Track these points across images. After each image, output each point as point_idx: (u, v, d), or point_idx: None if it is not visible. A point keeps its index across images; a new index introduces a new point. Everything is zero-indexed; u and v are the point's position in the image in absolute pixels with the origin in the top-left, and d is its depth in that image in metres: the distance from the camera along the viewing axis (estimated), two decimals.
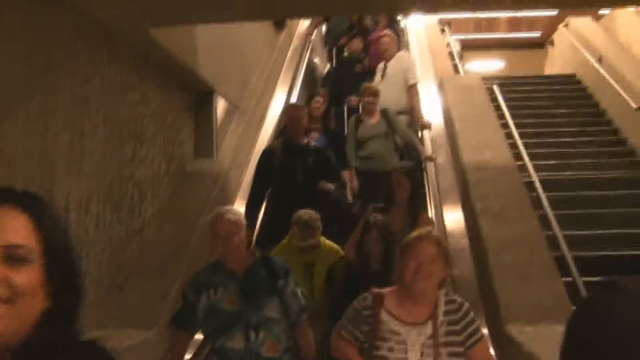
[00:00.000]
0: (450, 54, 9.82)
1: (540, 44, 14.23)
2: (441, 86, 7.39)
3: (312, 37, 9.65)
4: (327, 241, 4.72)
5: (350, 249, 4.51)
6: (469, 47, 13.35)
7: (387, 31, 8.06)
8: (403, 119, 6.80)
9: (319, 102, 7.07)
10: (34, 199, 1.13)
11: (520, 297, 4.05)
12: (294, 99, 7.96)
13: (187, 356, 3.70)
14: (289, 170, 5.34)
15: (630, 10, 9.35)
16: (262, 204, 5.56)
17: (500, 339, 3.84)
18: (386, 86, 7.00)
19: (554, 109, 9.06)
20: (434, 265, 2.61)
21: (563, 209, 6.13)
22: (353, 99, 7.71)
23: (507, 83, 9.97)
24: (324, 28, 10.74)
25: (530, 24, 14.58)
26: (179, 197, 5.20)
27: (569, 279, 4.78)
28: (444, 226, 5.32)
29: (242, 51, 6.74)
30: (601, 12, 10.97)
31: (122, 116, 4.32)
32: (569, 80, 10.29)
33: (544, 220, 5.45)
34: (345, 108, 8.19)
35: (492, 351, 3.75)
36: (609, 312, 1.45)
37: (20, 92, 3.14)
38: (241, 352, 3.18)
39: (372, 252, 4.14)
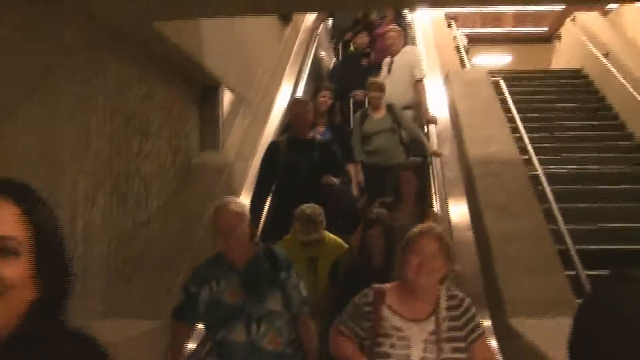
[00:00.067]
0: (457, 48, 9.81)
1: (547, 39, 14.18)
2: (447, 80, 7.39)
3: (318, 32, 9.64)
4: (331, 235, 4.73)
5: (356, 243, 4.52)
6: (475, 41, 13.30)
7: (393, 26, 8.05)
8: (409, 114, 6.81)
9: (325, 97, 7.07)
10: (27, 191, 1.13)
11: (524, 290, 4.06)
12: (299, 92, 7.96)
13: (192, 345, 3.71)
14: (294, 165, 5.34)
15: (638, 5, 9.31)
16: (267, 198, 5.57)
17: (503, 331, 3.85)
18: (392, 81, 7.02)
19: (560, 103, 9.05)
20: (436, 261, 2.58)
21: (568, 203, 6.13)
22: (359, 94, 7.72)
23: (513, 77, 9.94)
24: (330, 22, 10.73)
25: (537, 18, 14.54)
26: (185, 190, 5.23)
27: (573, 272, 4.79)
28: (449, 219, 5.33)
29: (248, 44, 6.75)
30: (608, 7, 10.92)
31: (128, 110, 4.34)
32: (575, 75, 10.26)
33: (548, 213, 5.45)
34: (351, 103, 8.20)
35: (494, 343, 3.79)
36: (617, 303, 1.46)
37: (22, 90, 3.16)
38: (242, 345, 3.15)
39: (374, 248, 4.15)
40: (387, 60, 7.48)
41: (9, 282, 1.04)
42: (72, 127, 3.60)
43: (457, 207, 5.42)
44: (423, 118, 6.92)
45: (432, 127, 6.75)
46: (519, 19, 14.73)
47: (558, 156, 7.35)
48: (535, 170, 6.45)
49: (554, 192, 6.01)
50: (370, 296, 2.69)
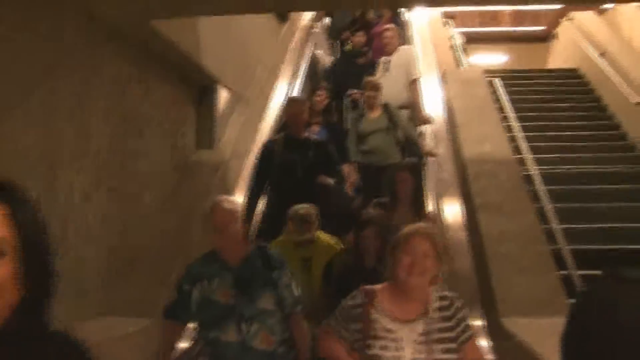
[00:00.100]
0: (453, 47, 9.82)
1: (544, 38, 14.18)
2: (443, 79, 7.40)
3: (315, 30, 9.65)
4: (325, 235, 4.73)
5: (350, 243, 4.53)
6: (473, 40, 13.29)
7: (390, 25, 8.07)
8: (404, 114, 6.82)
9: (322, 96, 7.10)
10: (12, 191, 1.12)
11: (517, 289, 4.08)
12: (296, 91, 7.97)
13: (185, 344, 3.70)
14: (289, 164, 5.35)
15: (634, 5, 9.33)
16: (261, 197, 5.58)
17: (496, 330, 3.88)
18: (388, 80, 7.03)
19: (556, 102, 9.08)
20: (428, 261, 2.55)
21: (562, 203, 6.17)
22: (355, 93, 7.73)
23: (509, 76, 9.97)
24: (327, 21, 10.74)
25: (535, 17, 14.54)
26: (181, 187, 5.25)
27: (566, 272, 4.82)
28: (443, 219, 5.35)
29: (245, 43, 6.76)
30: (605, 6, 10.94)
31: (126, 109, 4.36)
32: (571, 75, 10.28)
33: (542, 213, 5.48)
34: (347, 102, 8.21)
35: (487, 343, 3.82)
36: (611, 303, 1.47)
37: (21, 89, 3.18)
38: (234, 345, 3.12)
39: (368, 249, 4.17)
40: (384, 59, 7.50)
41: None
42: (71, 125, 3.62)
43: (452, 206, 5.44)
44: (418, 118, 6.94)
45: (427, 127, 6.77)
46: (517, 18, 14.73)
47: (553, 156, 7.37)
48: (530, 170, 6.48)
49: (549, 192, 6.05)
50: (360, 298, 2.66)
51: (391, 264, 2.61)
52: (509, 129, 7.25)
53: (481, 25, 14.80)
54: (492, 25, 14.93)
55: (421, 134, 6.66)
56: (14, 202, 1.10)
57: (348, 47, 9.40)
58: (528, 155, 6.83)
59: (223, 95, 6.10)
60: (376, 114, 6.44)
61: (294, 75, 8.25)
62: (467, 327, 2.64)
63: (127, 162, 4.38)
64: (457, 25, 11.33)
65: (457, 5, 9.75)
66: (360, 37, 9.03)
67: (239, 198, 5.49)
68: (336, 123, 7.65)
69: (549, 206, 5.79)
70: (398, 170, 5.15)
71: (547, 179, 6.45)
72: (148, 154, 4.73)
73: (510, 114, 7.82)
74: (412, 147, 6.52)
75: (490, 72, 9.01)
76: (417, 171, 5.82)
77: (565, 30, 11.68)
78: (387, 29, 7.73)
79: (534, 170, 6.51)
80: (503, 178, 5.28)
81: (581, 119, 8.56)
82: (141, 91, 4.58)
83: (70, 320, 3.51)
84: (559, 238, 5.29)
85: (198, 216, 4.88)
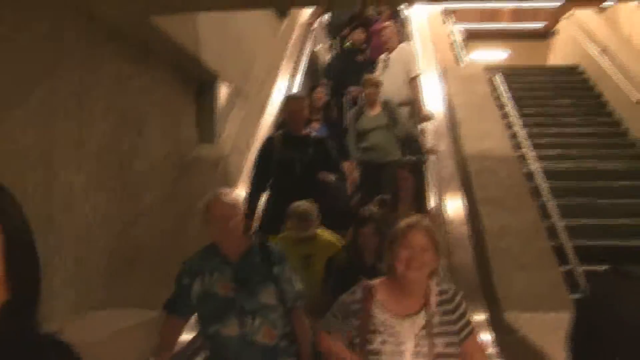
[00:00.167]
0: (453, 43, 9.81)
1: (544, 35, 14.18)
2: (443, 76, 7.40)
3: (315, 27, 9.63)
4: (326, 232, 4.72)
5: (349, 240, 4.52)
6: (472, 37, 13.30)
7: (389, 22, 8.05)
8: (404, 111, 6.81)
9: (321, 93, 7.08)
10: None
11: (518, 285, 4.08)
12: (296, 87, 7.96)
13: (188, 337, 3.68)
14: (288, 162, 5.33)
15: (634, 2, 9.33)
16: (261, 193, 5.55)
17: (498, 325, 3.87)
18: (388, 78, 7.01)
19: (556, 99, 9.07)
20: (426, 254, 2.53)
21: (564, 199, 6.16)
22: (354, 90, 7.71)
23: (510, 73, 9.95)
24: (326, 18, 10.72)
25: (535, 14, 14.52)
26: (181, 182, 5.24)
27: (568, 267, 4.82)
28: (444, 215, 5.34)
29: (244, 39, 6.76)
30: (605, 3, 10.93)
31: (125, 104, 4.35)
32: (571, 72, 10.28)
33: (544, 209, 5.48)
34: (347, 99, 8.19)
35: (489, 337, 3.81)
36: (615, 300, 1.47)
37: (21, 88, 3.17)
38: (236, 339, 3.10)
39: (367, 246, 4.16)
40: (383, 56, 7.48)
41: None
42: (71, 124, 3.61)
43: (453, 202, 5.43)
44: (419, 115, 6.92)
45: (428, 124, 6.75)
46: (517, 15, 14.73)
47: (554, 152, 7.37)
48: (531, 166, 6.47)
49: (550, 188, 6.04)
50: (359, 293, 2.64)
51: (389, 259, 2.59)
52: (509, 125, 7.24)
53: (481, 21, 14.79)
54: (492, 22, 14.92)
55: (422, 131, 6.64)
56: (1, 205, 1.08)
57: (347, 44, 9.38)
58: (529, 152, 6.82)
59: (223, 91, 6.09)
60: (376, 111, 6.43)
61: (294, 71, 8.24)
62: (469, 321, 2.63)
63: (127, 159, 4.37)
64: (457, 22, 11.33)
65: (457, 2, 9.73)
66: (359, 34, 8.99)
67: (240, 193, 5.48)
68: (336, 120, 7.63)
69: (550, 202, 5.78)
70: (398, 168, 5.14)
71: (548, 175, 6.44)
72: (148, 150, 4.72)
73: (511, 110, 7.81)
74: (412, 145, 6.51)
75: (491, 69, 8.99)
76: (417, 169, 5.81)
77: (566, 27, 11.69)
78: (387, 27, 7.71)
79: (534, 166, 6.50)
80: (504, 174, 5.28)
81: (582, 115, 8.56)
82: (141, 88, 4.57)
83: (72, 316, 3.52)
84: (561, 234, 5.28)
85: (198, 212, 4.87)
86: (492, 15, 14.75)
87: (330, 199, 5.21)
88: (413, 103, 7.03)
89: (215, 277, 3.17)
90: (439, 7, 10.24)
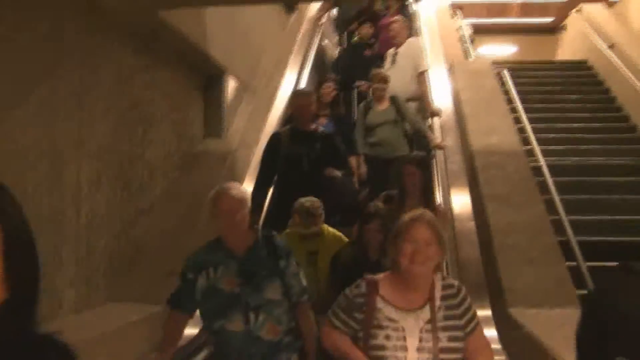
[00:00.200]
0: (462, 38, 9.78)
1: (552, 29, 14.13)
2: (451, 71, 7.39)
3: (323, 21, 9.62)
4: (331, 229, 4.72)
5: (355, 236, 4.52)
6: (481, 31, 13.27)
7: (397, 17, 8.03)
8: (412, 106, 6.80)
9: (330, 88, 7.06)
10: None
11: (524, 280, 4.08)
12: (303, 81, 7.95)
13: (194, 331, 3.69)
14: (295, 157, 5.33)
15: None
16: (268, 189, 5.56)
17: (503, 321, 3.87)
18: (396, 72, 6.99)
19: (564, 94, 9.05)
20: (430, 248, 2.51)
21: (571, 194, 6.15)
22: (363, 85, 7.71)
23: (518, 68, 9.94)
24: (334, 12, 10.71)
25: (543, 9, 14.48)
26: (188, 176, 5.25)
27: (574, 263, 4.81)
28: (451, 210, 5.34)
29: (252, 33, 6.76)
30: None
31: (133, 98, 4.36)
32: (580, 66, 10.25)
33: (551, 205, 5.47)
34: (355, 94, 8.18)
35: (494, 333, 3.82)
36: (624, 296, 1.48)
37: (30, 79, 3.19)
38: (240, 335, 3.10)
39: (372, 242, 4.16)
40: (391, 51, 7.46)
41: None
42: (77, 117, 3.62)
43: (460, 197, 5.42)
44: (427, 110, 6.91)
45: (435, 120, 6.72)
46: (525, 10, 14.68)
47: (561, 147, 7.36)
48: (538, 161, 6.46)
49: (557, 184, 6.03)
50: (363, 287, 2.61)
51: (393, 253, 2.58)
52: (517, 120, 7.22)
53: (489, 16, 14.75)
54: (500, 16, 14.88)
55: (430, 127, 6.63)
56: (1, 204, 1.08)
57: (355, 38, 9.37)
58: (536, 147, 6.80)
59: (231, 85, 6.09)
60: (384, 106, 6.41)
61: (302, 66, 8.22)
62: (474, 316, 2.62)
63: (134, 152, 4.38)
64: (465, 16, 11.30)
65: None
66: (367, 29, 8.98)
67: (247, 188, 5.49)
68: (344, 115, 7.62)
69: (557, 197, 5.76)
70: (405, 164, 5.12)
71: (556, 170, 6.43)
72: (155, 144, 4.73)
73: (519, 105, 7.78)
74: (420, 140, 6.50)
75: (499, 64, 8.98)
76: (425, 164, 5.79)
77: (574, 21, 11.63)
78: (395, 21, 7.69)
79: (542, 161, 6.48)
80: (511, 169, 5.27)
81: (590, 110, 8.53)
82: (148, 81, 4.58)
83: (78, 309, 3.55)
84: (568, 229, 5.27)
85: (205, 206, 4.89)
86: (501, 10, 14.70)
87: (336, 194, 5.21)
88: (421, 98, 7.02)
89: (220, 272, 3.17)
90: (447, 2, 10.22)
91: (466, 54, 9.00)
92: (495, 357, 2.92)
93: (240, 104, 6.39)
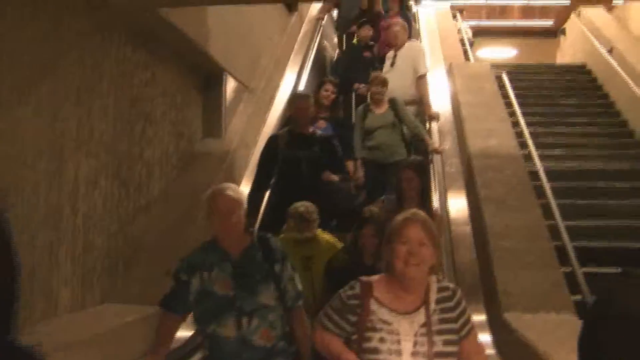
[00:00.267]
0: (461, 40, 9.79)
1: (552, 33, 14.15)
2: (450, 73, 7.38)
3: (323, 22, 9.62)
4: (325, 234, 4.71)
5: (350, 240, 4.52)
6: (481, 34, 13.30)
7: (397, 19, 8.02)
8: (411, 109, 6.79)
9: (329, 91, 7.04)
10: None
11: (519, 284, 4.07)
12: (303, 82, 7.94)
13: (188, 333, 3.68)
14: (293, 160, 5.32)
15: None
16: (265, 191, 5.55)
17: (497, 325, 3.88)
18: (395, 75, 6.97)
19: (563, 98, 9.05)
20: (425, 249, 2.48)
21: (569, 199, 6.15)
22: (362, 88, 7.68)
23: (517, 71, 9.96)
24: (335, 13, 10.70)
25: (543, 12, 14.51)
26: (186, 175, 5.25)
27: (569, 269, 4.82)
28: (448, 213, 5.35)
29: (252, 33, 6.75)
30: (614, 2, 10.89)
31: (132, 96, 4.37)
32: (579, 70, 10.26)
33: (547, 209, 5.47)
34: (354, 96, 8.16)
35: (489, 337, 3.82)
36: (625, 303, 1.48)
37: (29, 77, 3.18)
38: (233, 340, 3.05)
39: (367, 247, 4.16)
40: (391, 53, 7.43)
41: None
42: (79, 112, 3.63)
43: (456, 201, 5.44)
44: (425, 114, 6.90)
45: (434, 124, 6.70)
46: (525, 12, 14.71)
47: (559, 152, 7.36)
48: (535, 165, 6.46)
49: (555, 188, 6.03)
50: (357, 288, 2.58)
51: (387, 255, 2.55)
52: (515, 124, 7.23)
53: (489, 18, 14.77)
54: (500, 19, 14.90)
55: (428, 131, 6.62)
56: None
57: (355, 40, 9.36)
58: (534, 151, 6.81)
59: (230, 85, 6.09)
60: (382, 109, 6.38)
61: (302, 66, 8.23)
62: (469, 319, 2.60)
63: (132, 151, 4.39)
64: (466, 19, 11.32)
65: None
66: (367, 31, 8.94)
67: (245, 189, 5.50)
68: (343, 118, 7.61)
69: (553, 202, 5.77)
70: (404, 168, 5.12)
71: (553, 174, 6.43)
72: (154, 143, 4.74)
73: (517, 109, 7.79)
74: (418, 144, 6.48)
75: (498, 67, 8.98)
76: (423, 169, 5.79)
77: (573, 25, 11.66)
78: (395, 23, 7.68)
79: (539, 166, 6.49)
80: (508, 173, 5.27)
81: (588, 115, 8.54)
82: (147, 80, 4.59)
83: (73, 309, 3.55)
84: (564, 234, 5.28)
85: (203, 206, 4.89)
86: (502, 12, 14.72)
87: (333, 199, 5.20)
88: (421, 102, 7.00)
89: (215, 274, 3.12)
90: (447, 4, 10.23)
91: (466, 57, 9.00)
92: None
93: (239, 104, 6.39)
